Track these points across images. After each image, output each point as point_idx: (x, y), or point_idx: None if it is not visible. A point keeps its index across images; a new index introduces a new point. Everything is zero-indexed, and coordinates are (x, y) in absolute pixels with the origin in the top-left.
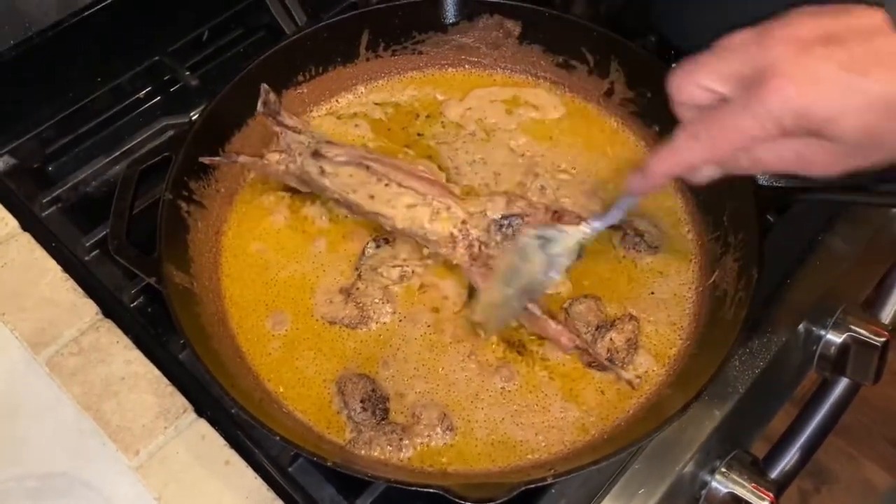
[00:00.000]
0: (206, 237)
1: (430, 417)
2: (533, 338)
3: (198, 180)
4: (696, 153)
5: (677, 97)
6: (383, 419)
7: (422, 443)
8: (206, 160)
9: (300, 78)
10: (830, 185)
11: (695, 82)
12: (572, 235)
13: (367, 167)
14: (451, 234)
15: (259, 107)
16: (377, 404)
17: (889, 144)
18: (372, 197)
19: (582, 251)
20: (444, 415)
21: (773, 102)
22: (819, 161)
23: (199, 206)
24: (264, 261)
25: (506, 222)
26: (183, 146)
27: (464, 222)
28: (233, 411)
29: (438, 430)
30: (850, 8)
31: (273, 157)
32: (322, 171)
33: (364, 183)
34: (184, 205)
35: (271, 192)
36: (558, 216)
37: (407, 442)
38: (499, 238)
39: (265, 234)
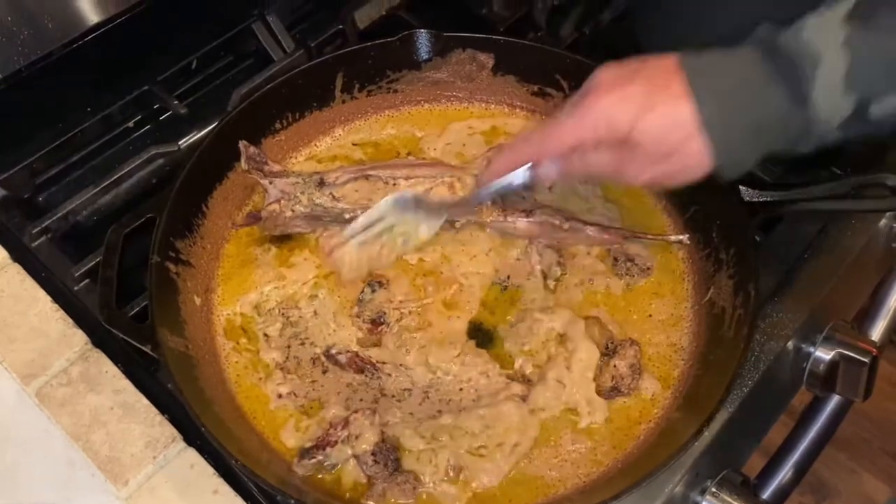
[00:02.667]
0: (196, 297)
1: (443, 462)
2: (536, 370)
3: (183, 239)
4: (529, 151)
5: None
6: (396, 469)
7: (436, 489)
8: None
9: (277, 126)
10: (814, 195)
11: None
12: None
13: (367, 177)
14: None
15: (243, 164)
16: (388, 455)
17: (676, 157)
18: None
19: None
20: (457, 458)
21: (589, 111)
22: (630, 166)
23: (187, 266)
24: (258, 315)
25: None
26: (166, 206)
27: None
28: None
29: (452, 474)
30: (653, 56)
31: (273, 208)
32: (333, 197)
33: (373, 191)
34: (172, 266)
35: (256, 245)
36: None
37: (421, 490)
38: None
39: (255, 288)
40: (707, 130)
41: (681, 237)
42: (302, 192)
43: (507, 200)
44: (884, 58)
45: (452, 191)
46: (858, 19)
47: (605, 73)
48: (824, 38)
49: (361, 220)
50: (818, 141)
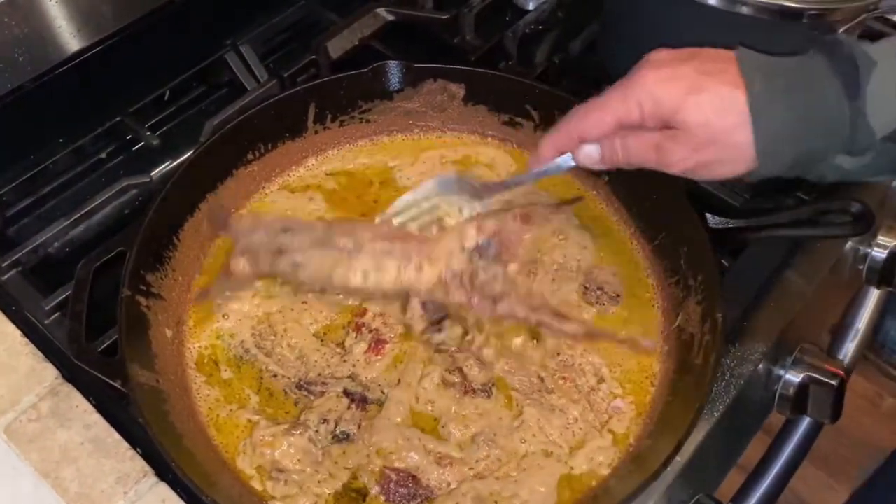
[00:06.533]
0: (168, 329)
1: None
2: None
3: (154, 272)
4: (573, 127)
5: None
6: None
7: None
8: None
9: (250, 157)
10: (780, 221)
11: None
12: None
13: (334, 245)
14: (440, 278)
15: (206, 227)
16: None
17: (720, 145)
18: (352, 273)
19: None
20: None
21: (635, 87)
22: (672, 152)
23: (158, 299)
24: (230, 347)
25: (483, 246)
26: (136, 240)
27: (446, 264)
28: None
29: None
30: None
31: (238, 264)
32: (295, 265)
33: (339, 261)
34: (143, 300)
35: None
36: (526, 217)
37: None
38: (482, 263)
39: (226, 319)
40: (753, 116)
41: (648, 343)
42: (265, 254)
43: (475, 284)
44: None
45: (420, 271)
46: None
47: (659, 53)
48: (883, 49)
49: (406, 198)
50: (856, 149)
